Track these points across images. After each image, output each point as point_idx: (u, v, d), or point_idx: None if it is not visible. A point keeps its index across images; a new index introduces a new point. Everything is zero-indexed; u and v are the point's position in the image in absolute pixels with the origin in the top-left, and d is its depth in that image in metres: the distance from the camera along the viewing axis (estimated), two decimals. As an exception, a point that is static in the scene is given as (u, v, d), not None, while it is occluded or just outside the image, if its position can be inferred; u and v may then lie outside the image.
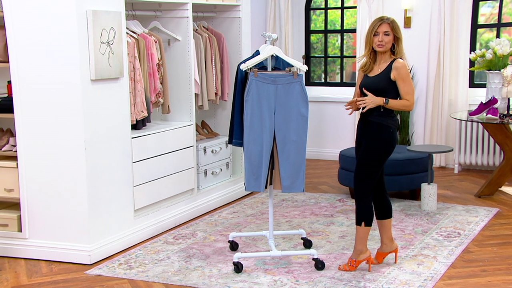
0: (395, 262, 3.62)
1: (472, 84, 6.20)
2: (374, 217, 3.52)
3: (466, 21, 6.00)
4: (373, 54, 3.45)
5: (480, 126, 5.95)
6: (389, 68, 3.36)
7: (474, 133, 6.02)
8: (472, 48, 6.08)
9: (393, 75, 3.35)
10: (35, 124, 3.71)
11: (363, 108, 3.38)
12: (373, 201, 3.54)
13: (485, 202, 5.01)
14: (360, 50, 6.38)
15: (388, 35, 3.36)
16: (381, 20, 3.39)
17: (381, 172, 3.50)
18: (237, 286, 3.34)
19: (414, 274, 3.47)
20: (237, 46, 5.22)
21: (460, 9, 6.00)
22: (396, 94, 3.39)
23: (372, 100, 3.35)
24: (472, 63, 5.80)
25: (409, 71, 3.37)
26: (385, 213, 3.55)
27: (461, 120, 5.39)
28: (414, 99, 3.36)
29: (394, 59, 3.37)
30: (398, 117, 6.27)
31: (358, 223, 3.45)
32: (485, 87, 5.73)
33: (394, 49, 3.40)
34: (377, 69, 3.42)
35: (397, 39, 3.38)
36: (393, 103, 3.35)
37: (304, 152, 3.49)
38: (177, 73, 4.68)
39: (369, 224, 3.44)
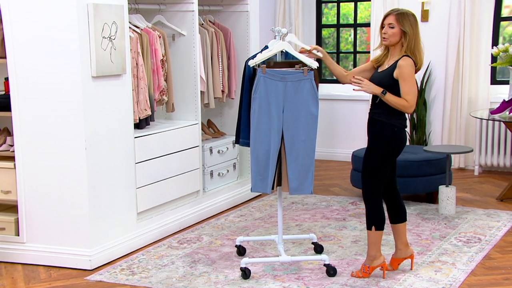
0: (411, 269, 3.62)
1: (494, 81, 6.18)
2: (388, 221, 3.52)
3: (488, 14, 5.98)
4: (387, 48, 3.45)
5: (502, 125, 5.92)
6: (394, 65, 3.35)
7: (495, 133, 5.99)
8: (495, 42, 6.05)
9: (395, 73, 3.32)
10: (34, 123, 3.74)
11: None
12: (386, 204, 3.55)
13: (508, 206, 4.99)
14: (374, 45, 6.37)
15: (392, 28, 3.33)
16: (389, 12, 3.38)
17: (393, 173, 3.50)
18: (244, 293, 3.35)
19: (431, 282, 3.46)
20: (244, 42, 5.23)
21: (482, 1, 5.98)
22: (398, 93, 3.35)
23: (368, 85, 3.34)
24: (494, 58, 5.77)
25: (414, 70, 3.31)
26: (399, 217, 3.55)
27: (481, 119, 5.37)
28: (414, 101, 3.30)
29: (401, 57, 3.33)
30: (414, 115, 6.26)
31: (368, 227, 3.46)
32: (508, 84, 5.70)
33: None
34: (386, 65, 3.43)
35: (404, 33, 3.33)
36: (390, 97, 3.31)
37: (313, 153, 3.49)
38: (182, 70, 4.70)
39: (380, 228, 3.44)
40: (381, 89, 3.33)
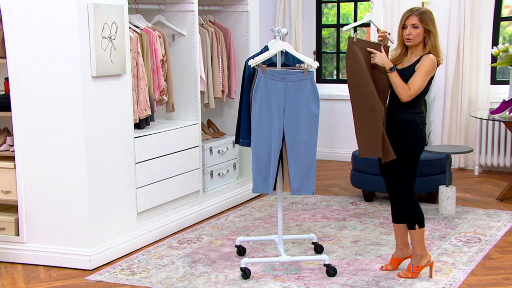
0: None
1: (494, 81, 6.18)
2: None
3: (488, 14, 5.98)
4: (404, 47, 3.43)
5: (502, 125, 5.92)
6: (418, 62, 3.34)
7: (495, 133, 6.00)
8: (495, 42, 6.06)
9: (417, 65, 3.33)
10: (34, 123, 3.74)
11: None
12: (391, 203, 3.56)
13: (508, 206, 4.99)
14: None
15: (416, 28, 3.33)
16: (410, 12, 3.36)
17: None
18: (244, 293, 3.35)
19: (431, 282, 3.46)
20: (245, 42, 5.23)
21: (482, 1, 5.98)
22: None
23: (381, 57, 3.32)
24: (494, 58, 5.78)
25: (434, 70, 3.31)
26: (403, 217, 3.55)
27: (482, 119, 5.37)
28: (415, 94, 3.30)
29: (426, 53, 3.33)
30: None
31: (411, 227, 3.44)
32: (508, 84, 5.71)
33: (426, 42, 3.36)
34: (406, 62, 3.41)
35: (428, 32, 3.33)
36: (395, 77, 3.30)
37: (314, 153, 3.49)
38: (182, 70, 4.70)
39: (422, 225, 3.44)
40: (392, 65, 3.32)
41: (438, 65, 3.37)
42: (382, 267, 3.62)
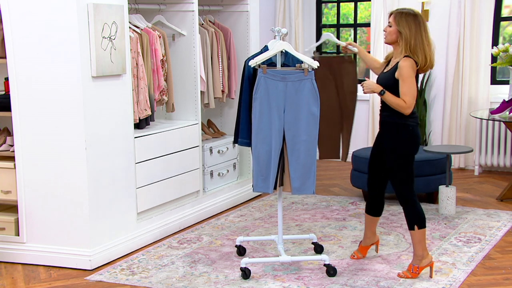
0: (376, 252, 3.79)
1: (494, 81, 6.19)
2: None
3: (488, 14, 5.98)
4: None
5: (502, 125, 5.92)
6: (396, 66, 3.37)
7: (495, 133, 6.00)
8: (495, 42, 6.06)
9: (396, 74, 3.35)
10: (34, 123, 3.74)
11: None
12: (370, 196, 3.65)
13: (508, 206, 4.99)
14: (374, 46, 6.38)
15: (390, 27, 3.39)
16: (392, 11, 3.44)
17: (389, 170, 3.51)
18: (244, 293, 3.35)
19: (431, 282, 3.47)
20: (245, 42, 5.23)
21: (482, 1, 5.98)
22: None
23: (368, 85, 3.40)
24: (494, 58, 5.78)
25: (414, 71, 3.31)
26: (378, 211, 3.67)
27: (482, 119, 5.37)
28: (412, 102, 3.31)
29: (403, 58, 3.34)
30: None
31: (410, 228, 3.46)
32: (508, 84, 5.71)
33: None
34: (390, 65, 3.45)
35: (400, 33, 3.34)
36: (388, 97, 3.35)
37: (314, 153, 3.50)
38: (182, 70, 4.70)
39: (422, 226, 3.44)
40: (380, 89, 3.37)
41: (424, 69, 3.33)
42: (352, 255, 3.76)
